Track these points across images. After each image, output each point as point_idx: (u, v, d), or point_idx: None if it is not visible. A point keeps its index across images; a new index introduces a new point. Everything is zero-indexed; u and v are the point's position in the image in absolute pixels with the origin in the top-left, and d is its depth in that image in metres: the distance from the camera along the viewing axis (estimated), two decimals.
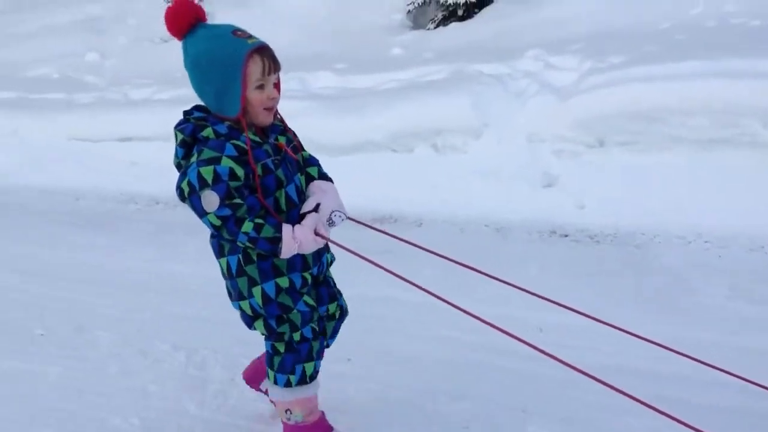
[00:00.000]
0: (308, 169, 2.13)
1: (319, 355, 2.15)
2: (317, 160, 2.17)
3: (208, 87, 1.92)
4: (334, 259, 2.25)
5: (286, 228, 1.90)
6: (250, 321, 2.09)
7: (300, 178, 2.05)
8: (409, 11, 9.57)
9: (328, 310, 2.19)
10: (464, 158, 5.57)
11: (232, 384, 2.61)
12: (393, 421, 2.34)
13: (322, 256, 2.10)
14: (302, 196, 2.04)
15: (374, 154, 5.98)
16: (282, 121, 2.09)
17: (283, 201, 1.98)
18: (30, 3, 15.27)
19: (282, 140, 2.03)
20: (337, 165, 6.10)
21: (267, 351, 2.11)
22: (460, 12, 8.83)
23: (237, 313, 2.12)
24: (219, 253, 2.04)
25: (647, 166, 4.96)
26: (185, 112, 2.01)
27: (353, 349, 2.68)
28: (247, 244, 1.89)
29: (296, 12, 11.35)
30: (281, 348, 2.07)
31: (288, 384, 2.07)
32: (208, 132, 1.91)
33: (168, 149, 6.37)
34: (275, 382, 2.09)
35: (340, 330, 2.29)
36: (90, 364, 2.81)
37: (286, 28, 11.06)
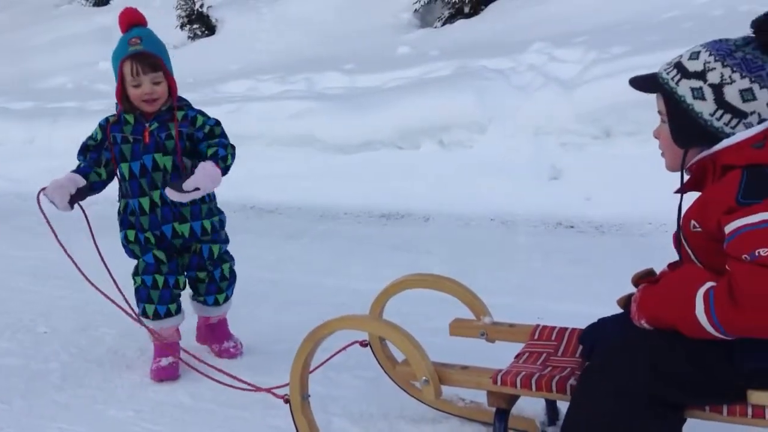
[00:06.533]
0: (209, 150, 2.52)
1: None
2: (220, 150, 2.51)
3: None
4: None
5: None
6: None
7: (156, 158, 2.52)
8: (416, 10, 9.62)
9: (197, 276, 2.75)
10: (470, 153, 5.58)
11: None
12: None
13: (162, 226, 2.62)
14: (149, 174, 2.53)
15: (381, 151, 6.01)
16: (176, 111, 2.56)
17: (126, 172, 2.57)
18: (45, 16, 15.50)
19: (153, 127, 2.54)
20: (344, 163, 6.23)
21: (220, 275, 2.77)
22: (466, 9, 8.87)
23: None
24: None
25: (653, 155, 4.92)
26: None
27: None
28: None
29: (306, 15, 11.40)
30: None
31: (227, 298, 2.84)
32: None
33: None
34: (227, 299, 2.80)
35: None
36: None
37: (296, 31, 11.13)
